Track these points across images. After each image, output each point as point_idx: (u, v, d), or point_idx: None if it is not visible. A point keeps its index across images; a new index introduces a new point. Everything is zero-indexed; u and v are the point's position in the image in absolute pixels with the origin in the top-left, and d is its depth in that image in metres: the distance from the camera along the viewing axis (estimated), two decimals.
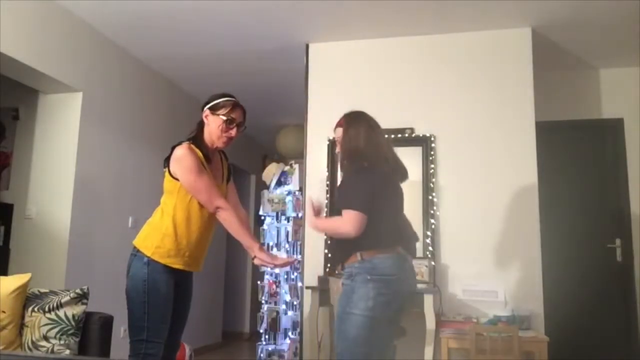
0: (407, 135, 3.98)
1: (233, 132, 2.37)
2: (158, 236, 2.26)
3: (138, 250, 2.27)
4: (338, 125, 2.43)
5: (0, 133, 4.04)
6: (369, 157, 2.26)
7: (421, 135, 3.97)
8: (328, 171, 4.05)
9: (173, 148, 2.31)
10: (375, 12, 3.76)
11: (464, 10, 3.71)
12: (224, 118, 2.32)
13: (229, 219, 2.26)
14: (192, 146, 2.30)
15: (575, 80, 4.69)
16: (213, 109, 2.35)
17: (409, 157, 3.86)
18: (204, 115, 2.37)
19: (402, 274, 2.13)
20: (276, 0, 3.58)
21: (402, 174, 2.34)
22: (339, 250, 2.24)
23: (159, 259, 2.24)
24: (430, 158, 3.91)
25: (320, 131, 4.09)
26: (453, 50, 4.05)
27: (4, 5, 3.24)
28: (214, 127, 2.34)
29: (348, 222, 2.11)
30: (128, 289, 2.25)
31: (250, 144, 7.25)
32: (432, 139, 3.95)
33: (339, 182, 2.39)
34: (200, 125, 2.38)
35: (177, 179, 2.26)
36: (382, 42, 4.18)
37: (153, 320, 2.21)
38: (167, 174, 2.31)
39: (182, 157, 2.23)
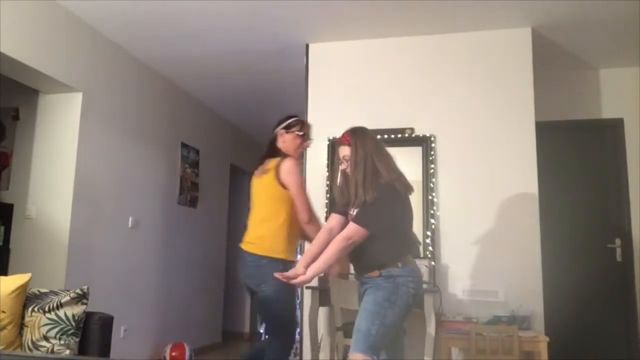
0: (407, 135, 3.98)
1: (306, 144, 2.84)
2: (283, 239, 2.60)
3: (271, 259, 2.54)
4: (343, 142, 2.43)
5: (1, 133, 4.04)
6: (383, 173, 2.33)
7: (421, 135, 3.97)
8: (328, 171, 4.05)
9: (265, 157, 2.71)
10: (375, 12, 3.76)
11: (464, 10, 3.71)
12: (300, 134, 2.77)
13: (317, 233, 2.53)
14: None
15: (575, 80, 4.69)
16: (287, 129, 2.77)
17: (409, 157, 3.89)
18: (278, 134, 2.77)
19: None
20: (276, 0, 3.59)
21: (408, 187, 2.40)
22: (374, 258, 2.36)
23: (289, 257, 2.60)
24: (430, 158, 3.91)
25: (320, 131, 4.08)
26: (453, 50, 4.05)
27: (4, 5, 3.24)
28: (291, 143, 2.75)
29: (354, 231, 2.31)
30: (271, 296, 2.53)
31: (250, 144, 7.25)
32: (432, 139, 3.95)
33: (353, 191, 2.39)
34: (274, 143, 2.77)
35: (286, 188, 2.60)
36: (382, 42, 4.18)
37: (290, 312, 2.64)
38: (274, 182, 2.62)
39: (295, 171, 2.62)
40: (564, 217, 4.48)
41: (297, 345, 4.18)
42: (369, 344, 2.22)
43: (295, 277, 2.35)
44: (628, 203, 4.41)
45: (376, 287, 2.31)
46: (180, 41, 4.28)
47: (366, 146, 2.36)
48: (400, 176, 2.36)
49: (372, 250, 2.33)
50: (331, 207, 3.93)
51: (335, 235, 2.40)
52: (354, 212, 2.36)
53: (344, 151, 2.42)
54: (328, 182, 4.06)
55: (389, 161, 2.38)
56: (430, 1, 3.58)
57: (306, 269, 2.35)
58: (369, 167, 2.33)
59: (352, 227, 2.31)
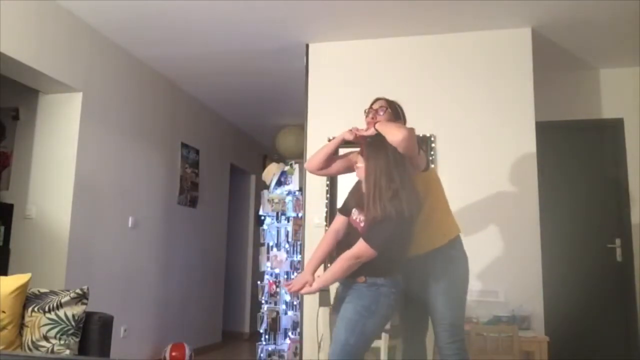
0: None
1: (369, 119, 2.62)
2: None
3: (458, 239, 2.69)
4: (360, 145, 2.43)
5: (0, 133, 4.05)
6: (383, 195, 2.23)
7: (421, 135, 3.96)
8: None
9: None
10: (375, 12, 3.76)
11: (464, 10, 3.71)
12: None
13: None
14: None
15: (575, 80, 4.69)
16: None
17: None
18: None
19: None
20: (276, 0, 3.59)
21: (410, 211, 2.26)
22: (364, 266, 2.29)
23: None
24: (431, 158, 3.91)
25: (320, 131, 4.09)
26: (453, 50, 4.05)
27: (4, 5, 3.24)
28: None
29: (364, 251, 2.23)
30: (463, 280, 2.60)
31: (250, 144, 7.25)
32: (432, 139, 3.95)
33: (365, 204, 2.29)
34: None
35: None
36: (382, 42, 4.18)
37: None
38: None
39: None
40: (564, 217, 4.48)
41: (297, 345, 4.18)
42: (345, 353, 2.19)
43: (302, 287, 2.33)
44: (628, 203, 4.41)
45: (358, 295, 2.27)
46: (180, 41, 4.28)
47: (378, 162, 2.28)
48: (400, 204, 2.22)
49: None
50: (331, 207, 3.93)
51: (342, 237, 2.42)
52: (357, 218, 2.34)
53: (359, 162, 2.38)
54: (328, 183, 4.06)
55: (395, 188, 2.24)
56: (430, 1, 3.58)
57: (313, 275, 2.34)
58: (378, 183, 2.25)
59: (362, 246, 2.23)
